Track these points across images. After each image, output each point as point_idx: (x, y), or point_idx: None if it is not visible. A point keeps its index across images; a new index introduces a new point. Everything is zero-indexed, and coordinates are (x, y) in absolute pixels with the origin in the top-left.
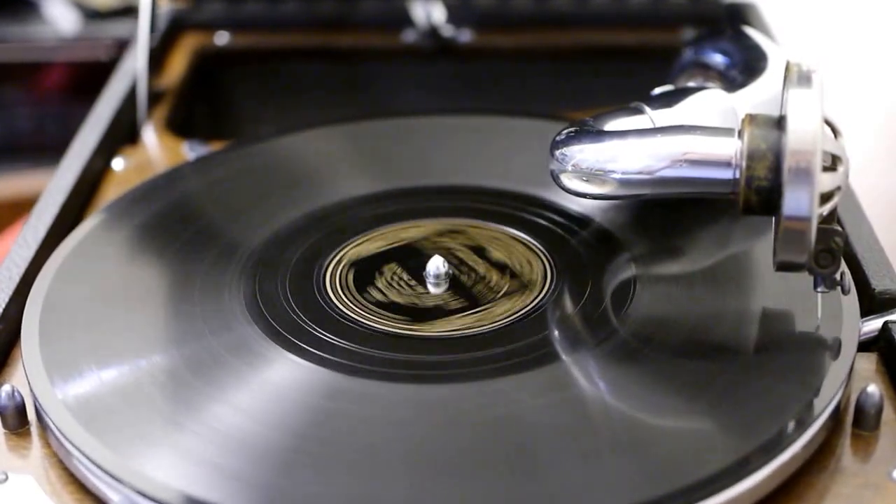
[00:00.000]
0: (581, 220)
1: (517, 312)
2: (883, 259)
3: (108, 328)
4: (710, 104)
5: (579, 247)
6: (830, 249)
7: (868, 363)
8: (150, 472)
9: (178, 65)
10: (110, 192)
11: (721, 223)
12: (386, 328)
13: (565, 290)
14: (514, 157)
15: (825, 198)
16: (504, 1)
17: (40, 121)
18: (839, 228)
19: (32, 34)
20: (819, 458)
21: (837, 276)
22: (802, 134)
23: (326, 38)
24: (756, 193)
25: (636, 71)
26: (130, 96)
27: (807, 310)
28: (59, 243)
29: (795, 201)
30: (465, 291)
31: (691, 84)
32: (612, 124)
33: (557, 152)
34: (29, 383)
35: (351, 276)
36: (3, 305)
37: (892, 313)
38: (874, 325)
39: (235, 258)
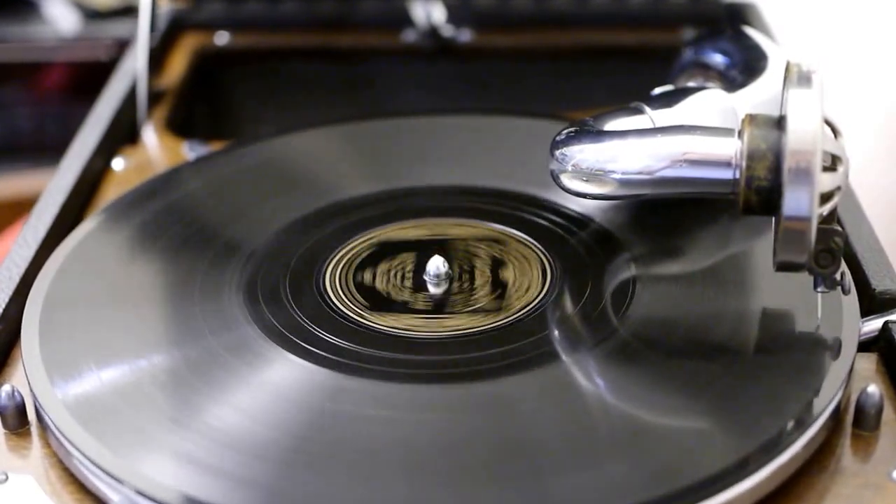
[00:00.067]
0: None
1: (463, 329)
2: (883, 259)
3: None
4: (710, 104)
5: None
6: (830, 249)
7: (868, 363)
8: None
9: (178, 65)
10: (110, 192)
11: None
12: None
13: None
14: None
15: (825, 198)
16: (504, 1)
17: (40, 121)
18: (839, 228)
19: (32, 34)
20: (819, 459)
21: (837, 276)
22: (802, 134)
23: (326, 38)
24: (756, 193)
25: (636, 71)
26: (130, 96)
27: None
28: (59, 243)
29: (795, 201)
30: (442, 297)
31: (691, 84)
32: (612, 124)
33: (557, 152)
34: (29, 383)
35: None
36: (3, 305)
37: (892, 313)
38: (874, 325)
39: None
